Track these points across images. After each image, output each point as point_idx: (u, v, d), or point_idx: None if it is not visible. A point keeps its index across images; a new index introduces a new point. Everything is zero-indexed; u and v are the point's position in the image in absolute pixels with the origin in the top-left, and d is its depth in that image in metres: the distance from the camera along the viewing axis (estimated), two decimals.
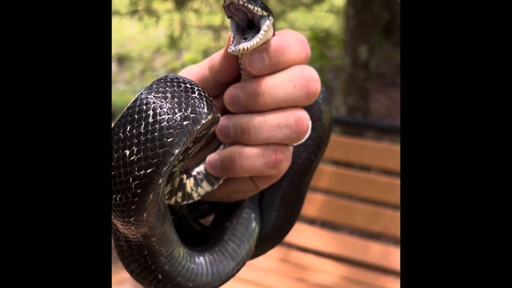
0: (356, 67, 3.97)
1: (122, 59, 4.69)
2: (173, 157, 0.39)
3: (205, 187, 0.48)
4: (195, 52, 6.61)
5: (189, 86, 0.41)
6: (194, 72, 0.48)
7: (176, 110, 0.39)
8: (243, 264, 0.54)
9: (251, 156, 0.45)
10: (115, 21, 5.81)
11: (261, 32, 0.41)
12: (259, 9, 0.41)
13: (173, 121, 0.39)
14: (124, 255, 0.48)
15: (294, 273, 2.32)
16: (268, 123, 0.45)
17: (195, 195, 0.48)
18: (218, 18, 4.61)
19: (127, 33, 8.27)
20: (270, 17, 0.42)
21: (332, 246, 2.40)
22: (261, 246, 0.57)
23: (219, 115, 0.43)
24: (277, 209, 0.56)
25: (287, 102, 0.44)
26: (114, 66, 7.07)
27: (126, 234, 0.45)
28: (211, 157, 0.47)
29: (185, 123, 0.39)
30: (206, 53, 5.76)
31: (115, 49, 7.03)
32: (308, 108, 0.47)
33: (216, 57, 0.47)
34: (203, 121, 0.41)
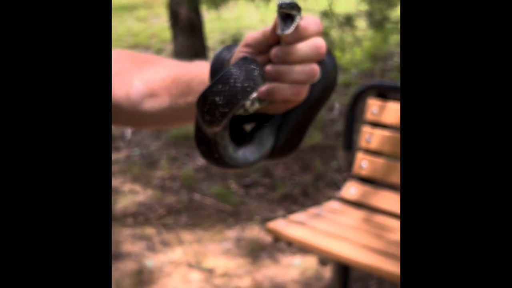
0: None
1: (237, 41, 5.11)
2: (240, 104, 0.73)
3: (256, 105, 0.77)
4: None
5: (254, 66, 0.73)
6: (255, 35, 0.78)
7: (246, 80, 0.72)
8: (261, 159, 0.84)
9: (284, 89, 0.74)
10: (237, 9, 6.18)
11: (295, 23, 0.71)
12: (297, 14, 0.71)
13: (244, 86, 0.72)
14: (200, 142, 0.80)
15: (374, 231, 2.54)
16: (295, 70, 0.73)
17: (250, 109, 0.78)
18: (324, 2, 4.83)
19: (247, 22, 8.69)
20: (300, 14, 0.72)
21: None
22: (278, 151, 0.85)
23: (265, 82, 0.75)
24: (290, 128, 0.84)
25: (306, 59, 0.73)
26: None
27: (205, 132, 0.77)
28: (262, 88, 0.76)
29: (248, 89, 0.73)
30: None
31: (227, 36, 7.47)
32: (318, 63, 0.75)
33: (267, 29, 0.75)
34: (258, 88, 0.73)
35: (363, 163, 2.84)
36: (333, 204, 2.83)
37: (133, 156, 4.98)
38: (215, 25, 8.16)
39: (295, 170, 4.62)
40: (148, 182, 4.48)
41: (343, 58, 6.61)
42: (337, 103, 5.58)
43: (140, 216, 4.08)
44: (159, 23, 8.37)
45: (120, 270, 3.34)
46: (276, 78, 0.74)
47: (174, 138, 5.49)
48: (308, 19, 0.73)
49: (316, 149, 4.96)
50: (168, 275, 3.32)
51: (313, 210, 2.79)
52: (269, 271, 3.35)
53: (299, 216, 2.71)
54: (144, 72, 0.90)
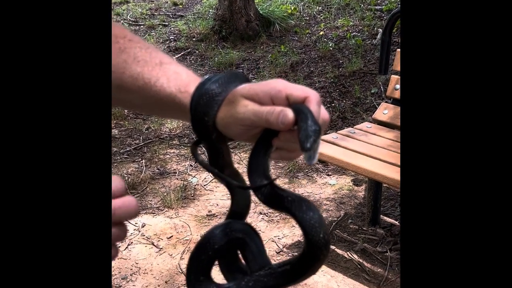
0: None
1: None
2: None
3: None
4: None
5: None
6: (253, 118, 0.70)
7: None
8: None
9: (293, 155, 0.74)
10: None
11: (318, 148, 0.66)
12: (319, 141, 0.67)
13: None
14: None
15: None
16: None
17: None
18: None
19: None
20: (320, 138, 0.67)
21: None
22: None
23: None
24: None
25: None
26: None
27: None
28: (274, 153, 0.74)
29: None
30: None
31: None
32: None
33: (272, 119, 0.68)
34: None
35: (397, 86, 2.92)
36: (365, 125, 2.94)
37: None
38: None
39: (334, 96, 4.71)
40: None
41: None
42: (381, 28, 5.55)
43: (185, 138, 4.29)
44: None
45: (166, 187, 3.57)
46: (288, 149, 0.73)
47: (218, 64, 5.62)
48: (313, 106, 0.68)
49: (357, 75, 5.01)
50: (210, 191, 3.54)
51: (346, 130, 2.91)
52: (306, 189, 3.52)
53: (331, 135, 2.84)
54: (118, 57, 0.79)
